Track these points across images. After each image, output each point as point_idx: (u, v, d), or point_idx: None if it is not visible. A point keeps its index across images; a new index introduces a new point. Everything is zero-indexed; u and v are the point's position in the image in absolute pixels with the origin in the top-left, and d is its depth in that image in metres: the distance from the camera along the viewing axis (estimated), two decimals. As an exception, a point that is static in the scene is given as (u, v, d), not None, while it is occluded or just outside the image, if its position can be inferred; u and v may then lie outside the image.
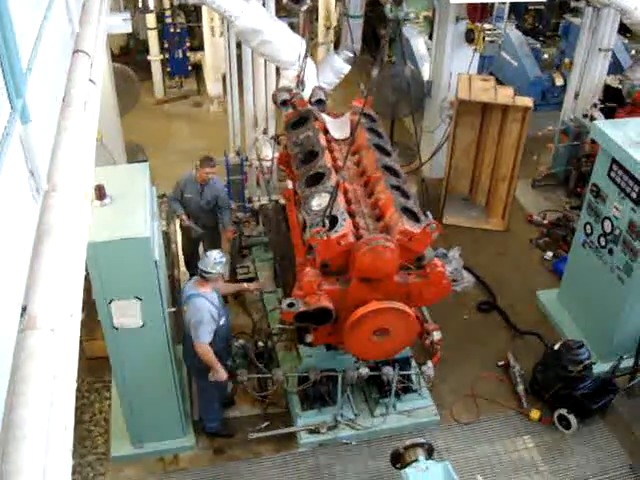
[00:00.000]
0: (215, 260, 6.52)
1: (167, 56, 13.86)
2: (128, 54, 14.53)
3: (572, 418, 7.60)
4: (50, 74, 4.12)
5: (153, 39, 13.25)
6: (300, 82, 8.36)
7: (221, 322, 6.59)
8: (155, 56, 13.49)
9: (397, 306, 6.37)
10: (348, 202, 6.73)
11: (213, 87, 13.25)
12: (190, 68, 14.40)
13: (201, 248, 9.16)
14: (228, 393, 7.64)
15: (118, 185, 6.12)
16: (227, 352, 7.04)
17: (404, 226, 6.22)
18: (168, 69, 14.13)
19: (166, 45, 13.70)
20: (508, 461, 7.41)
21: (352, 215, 6.53)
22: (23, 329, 2.89)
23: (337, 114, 7.96)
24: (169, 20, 13.53)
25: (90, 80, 5.56)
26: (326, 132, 7.62)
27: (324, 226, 6.17)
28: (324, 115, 7.78)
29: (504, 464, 7.37)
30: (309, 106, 8.03)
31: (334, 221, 6.29)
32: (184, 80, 14.41)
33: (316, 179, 6.95)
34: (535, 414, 7.82)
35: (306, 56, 8.25)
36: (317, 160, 7.13)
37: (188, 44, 14.06)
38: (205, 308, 6.43)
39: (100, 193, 5.87)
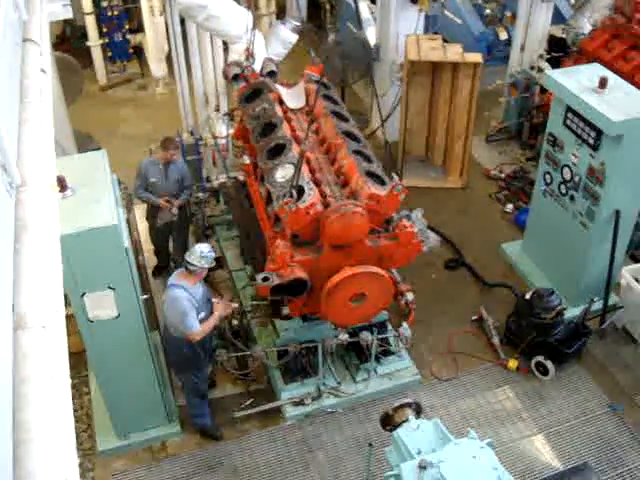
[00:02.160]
0: (202, 253, 6.29)
1: (106, 40, 13.50)
2: (65, 42, 14.13)
3: (549, 364, 7.75)
4: (4, 65, 3.98)
5: (91, 24, 12.85)
6: (250, 55, 8.24)
7: (200, 316, 6.36)
8: (94, 41, 13.10)
9: (372, 270, 6.40)
10: (312, 171, 6.70)
11: (157, 68, 12.94)
12: (131, 51, 14.06)
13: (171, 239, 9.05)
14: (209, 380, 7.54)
15: (78, 175, 5.96)
16: (209, 349, 6.90)
17: (370, 190, 6.24)
18: (109, 54, 13.77)
19: (104, 29, 13.34)
20: (491, 412, 7.55)
21: (317, 184, 6.51)
22: (14, 329, 2.81)
23: (290, 83, 7.88)
24: (105, 3, 13.15)
25: (42, 70, 5.39)
26: (281, 103, 7.55)
27: (292, 197, 6.13)
28: (277, 85, 7.70)
29: (488, 415, 7.50)
30: (261, 78, 7.93)
31: (300, 191, 6.25)
32: (126, 64, 14.06)
33: (277, 151, 6.89)
34: (512, 364, 7.96)
35: (254, 28, 8.13)
36: (276, 131, 7.06)
37: (127, 26, 13.73)
38: (183, 297, 6.23)
39: (61, 185, 5.71)
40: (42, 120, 4.55)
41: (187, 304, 6.23)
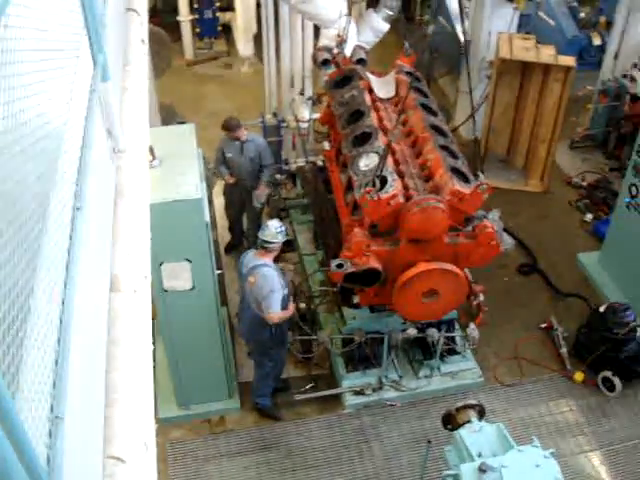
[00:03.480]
0: (276, 229, 6.39)
1: (196, 16, 13.66)
2: (156, 15, 14.32)
3: (617, 380, 7.56)
4: (113, 32, 4.06)
5: (183, -1, 13.06)
6: (342, 41, 8.21)
7: (285, 291, 6.49)
8: (185, 17, 13.26)
9: (448, 267, 6.33)
10: (396, 162, 6.64)
11: (244, 48, 13.04)
12: (219, 29, 14.18)
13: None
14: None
15: (165, 147, 6.06)
16: (287, 321, 6.96)
17: (455, 187, 6.14)
18: (197, 30, 13.93)
19: (195, 5, 13.49)
20: (552, 422, 7.41)
21: (401, 176, 6.45)
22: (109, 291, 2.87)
23: (381, 72, 7.83)
24: (197, -21, 13.31)
25: (142, 40, 5.49)
26: (370, 91, 7.51)
27: (374, 186, 6.10)
28: (368, 74, 7.66)
29: (548, 426, 7.37)
30: (353, 65, 7.91)
31: (383, 181, 6.22)
32: (214, 41, 14.20)
33: (362, 139, 6.87)
34: (579, 376, 7.79)
35: (349, 14, 8.10)
36: (363, 120, 7.03)
37: (218, 4, 13.84)
38: (275, 277, 6.33)
39: (150, 154, 5.82)
40: (140, 89, 4.64)
41: (277, 284, 6.32)
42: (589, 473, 6.97)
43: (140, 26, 5.49)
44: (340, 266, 6.19)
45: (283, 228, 6.48)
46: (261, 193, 8.64)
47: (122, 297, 2.94)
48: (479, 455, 5.33)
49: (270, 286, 6.30)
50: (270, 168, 8.71)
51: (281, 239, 6.44)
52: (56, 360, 1.64)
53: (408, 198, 6.14)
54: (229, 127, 8.31)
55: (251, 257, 6.57)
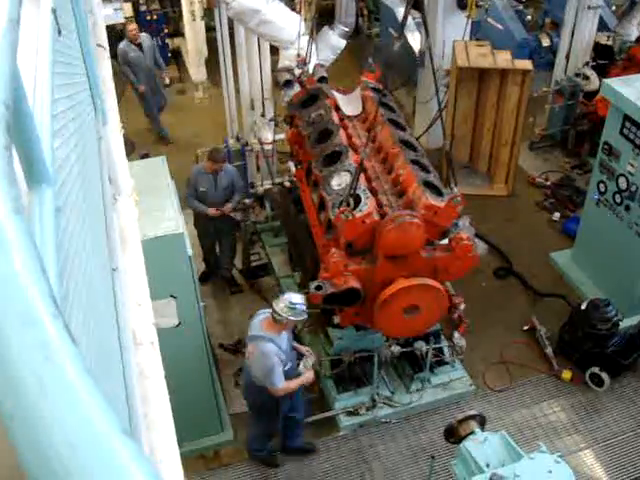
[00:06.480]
0: (290, 304, 5.82)
1: (145, 44, 13.47)
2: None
3: (604, 375, 7.64)
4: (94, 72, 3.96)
5: (131, 28, 12.83)
6: (303, 61, 8.16)
7: (286, 367, 6.04)
8: (134, 45, 13.08)
9: (427, 282, 6.27)
10: (368, 180, 6.61)
11: (196, 73, 12.92)
12: (169, 55, 14.01)
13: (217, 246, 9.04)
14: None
15: (139, 182, 5.93)
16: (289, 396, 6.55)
17: (428, 201, 6.10)
18: (147, 58, 13.72)
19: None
20: (547, 423, 7.44)
21: (374, 193, 6.40)
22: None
23: (346, 90, 7.80)
24: (144, 7, 13.15)
25: (111, 76, 5.39)
26: (337, 109, 7.48)
27: (348, 205, 6.04)
28: (334, 92, 7.63)
29: (543, 427, 7.40)
30: (317, 84, 7.87)
31: (357, 200, 6.17)
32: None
33: (332, 158, 6.81)
34: (567, 375, 7.85)
35: (311, 34, 8.07)
36: (332, 138, 6.98)
37: (165, 30, 13.70)
38: (273, 353, 5.91)
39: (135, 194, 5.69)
40: (116, 126, 4.55)
41: (275, 360, 5.90)
42: (589, 469, 7.01)
43: (108, 61, 5.39)
44: (319, 288, 6.07)
45: (301, 306, 5.89)
46: (226, 211, 8.45)
47: (143, 350, 2.86)
48: (487, 466, 5.30)
49: (270, 364, 5.90)
50: (240, 192, 8.58)
51: (290, 316, 5.82)
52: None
53: (383, 215, 6.08)
54: (217, 159, 8.12)
55: (257, 323, 6.14)
